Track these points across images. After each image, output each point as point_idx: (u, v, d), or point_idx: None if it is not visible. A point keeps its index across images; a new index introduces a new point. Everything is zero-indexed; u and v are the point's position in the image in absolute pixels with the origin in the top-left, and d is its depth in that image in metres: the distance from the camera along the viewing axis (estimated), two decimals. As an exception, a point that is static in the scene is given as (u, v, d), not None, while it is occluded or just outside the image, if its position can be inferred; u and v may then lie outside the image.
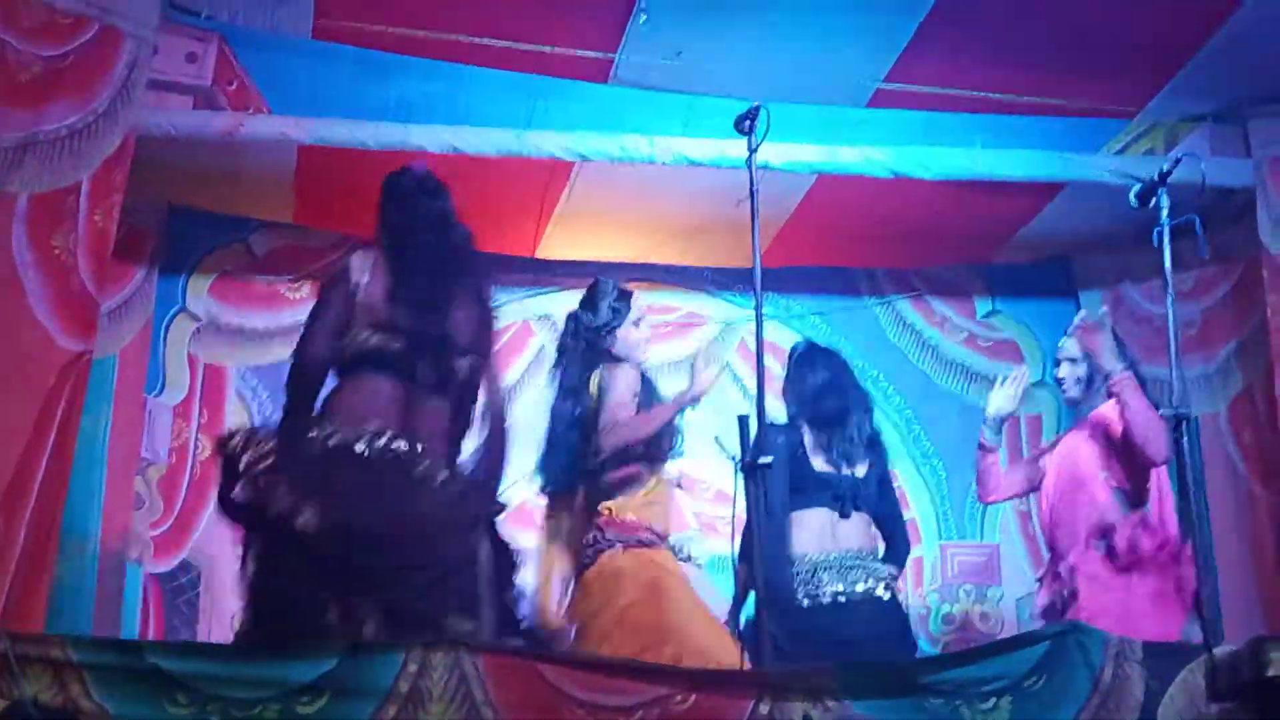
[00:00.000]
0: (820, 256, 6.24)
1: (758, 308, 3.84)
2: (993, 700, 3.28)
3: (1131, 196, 4.20)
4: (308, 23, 4.97)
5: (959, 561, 6.23)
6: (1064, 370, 4.90)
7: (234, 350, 5.84)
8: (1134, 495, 4.57)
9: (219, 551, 5.54)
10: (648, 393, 4.60)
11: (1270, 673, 2.85)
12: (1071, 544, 4.62)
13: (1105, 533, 4.53)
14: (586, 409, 4.54)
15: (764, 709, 3.18)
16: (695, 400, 4.49)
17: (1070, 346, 4.87)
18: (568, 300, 6.08)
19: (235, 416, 5.75)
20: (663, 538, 4.52)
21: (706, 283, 6.37)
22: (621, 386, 4.52)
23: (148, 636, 5.25)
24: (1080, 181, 5.50)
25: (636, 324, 4.69)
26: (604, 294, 4.71)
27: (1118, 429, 4.57)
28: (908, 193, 5.47)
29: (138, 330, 5.47)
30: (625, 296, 4.72)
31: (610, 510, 4.48)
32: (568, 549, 4.57)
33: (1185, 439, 3.80)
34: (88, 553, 5.05)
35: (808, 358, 5.00)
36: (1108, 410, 4.68)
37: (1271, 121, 5.53)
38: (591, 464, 4.50)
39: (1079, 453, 4.71)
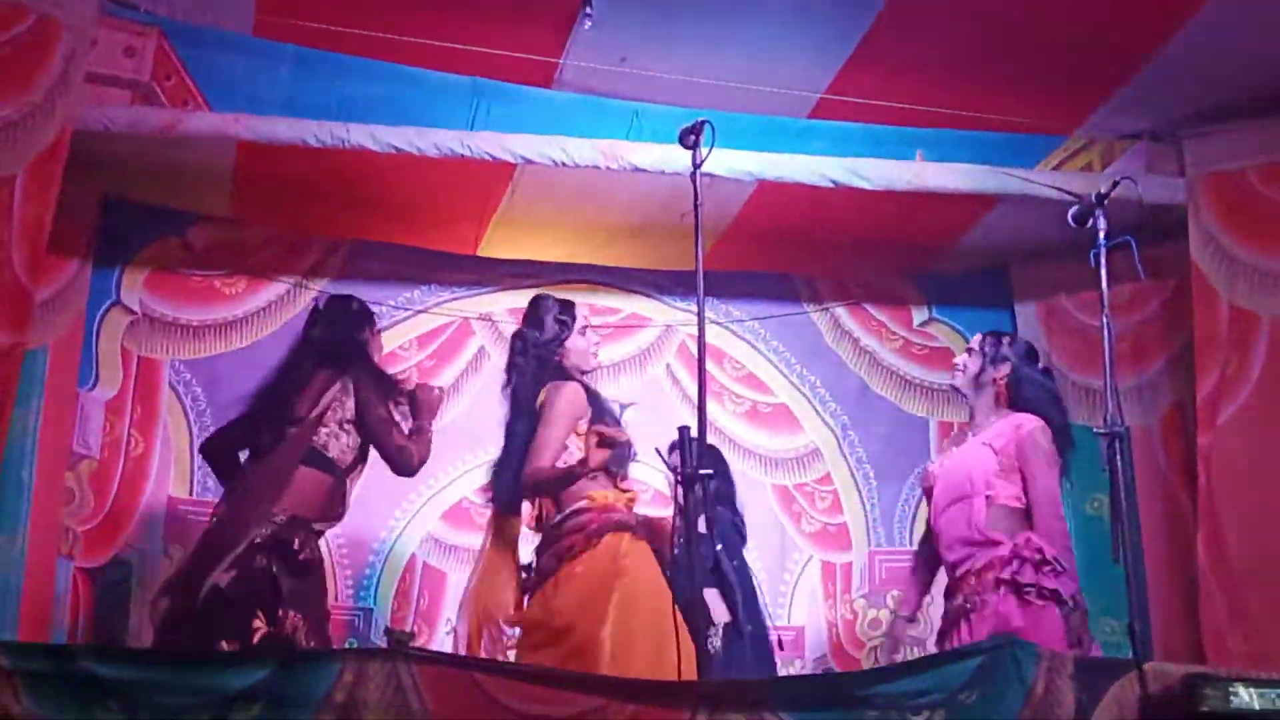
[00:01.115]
0: (760, 262, 6.27)
1: (700, 315, 3.86)
2: (926, 714, 3.31)
3: (1070, 217, 4.25)
4: (249, 19, 4.92)
5: (887, 568, 6.28)
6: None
7: (168, 343, 5.78)
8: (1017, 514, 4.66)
9: (151, 547, 5.50)
10: (598, 408, 4.58)
11: (1203, 709, 2.89)
12: (957, 556, 4.69)
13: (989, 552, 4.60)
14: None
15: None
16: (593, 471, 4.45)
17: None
18: (509, 300, 6.12)
19: (168, 411, 5.69)
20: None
21: (648, 286, 6.38)
22: (561, 409, 4.50)
23: (77, 632, 5.18)
24: (1017, 195, 5.56)
25: (583, 333, 4.71)
26: (547, 309, 4.73)
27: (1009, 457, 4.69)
28: (848, 202, 5.51)
29: (70, 323, 5.39)
30: (568, 308, 4.74)
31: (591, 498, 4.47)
32: (512, 553, 4.57)
33: (1118, 456, 3.86)
34: (16, 548, 4.97)
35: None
36: (1001, 432, 4.74)
37: (1205, 141, 5.62)
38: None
39: (967, 468, 4.74)
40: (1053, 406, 4.82)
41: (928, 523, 4.99)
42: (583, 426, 4.48)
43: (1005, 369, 4.84)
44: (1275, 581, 5.13)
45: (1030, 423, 4.70)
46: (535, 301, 4.80)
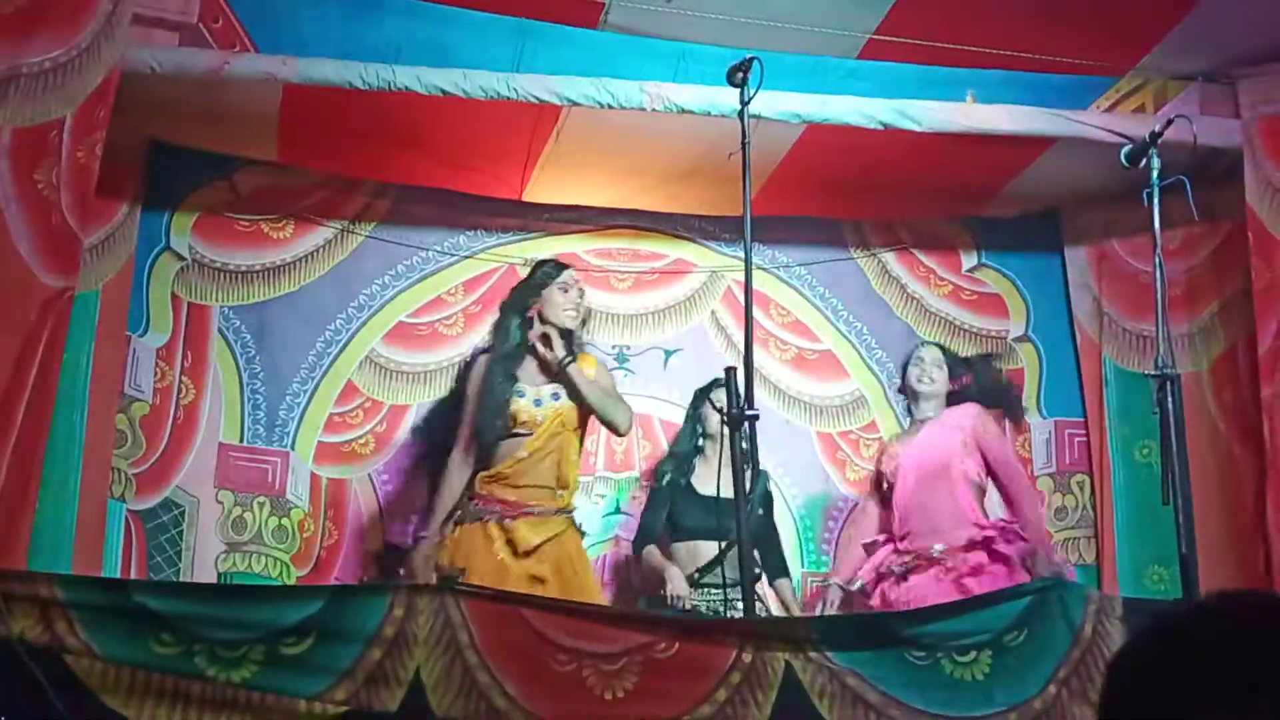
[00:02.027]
0: (807, 207, 6.22)
1: (747, 258, 3.85)
2: (973, 653, 3.32)
3: (1122, 156, 4.20)
4: (296, -39, 4.92)
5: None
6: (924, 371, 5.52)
7: (217, 289, 5.80)
8: (978, 488, 5.32)
9: (202, 493, 5.56)
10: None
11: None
12: (929, 531, 5.18)
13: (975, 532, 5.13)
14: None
15: (746, 657, 3.21)
16: None
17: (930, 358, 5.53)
18: (554, 245, 6.11)
19: (218, 357, 5.73)
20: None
21: (694, 231, 6.35)
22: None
23: (129, 573, 5.24)
24: (1069, 137, 5.49)
25: (564, 289, 4.94)
26: (541, 264, 5.07)
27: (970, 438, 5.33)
28: (896, 145, 5.45)
29: (120, 266, 5.42)
30: (561, 267, 5.03)
31: (487, 479, 4.80)
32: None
33: (1169, 399, 3.82)
34: (69, 489, 5.02)
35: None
36: (958, 420, 5.38)
37: (1261, 82, 5.52)
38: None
39: (937, 448, 5.33)
40: (1004, 394, 5.64)
41: (881, 501, 5.53)
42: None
43: (968, 379, 5.54)
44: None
45: (974, 409, 5.42)
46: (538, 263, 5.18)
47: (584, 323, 5.10)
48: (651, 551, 5.24)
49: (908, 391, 5.58)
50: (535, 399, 4.84)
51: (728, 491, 3.83)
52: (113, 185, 5.14)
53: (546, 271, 5.01)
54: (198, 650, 2.98)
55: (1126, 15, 5.25)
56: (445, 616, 3.09)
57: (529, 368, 4.91)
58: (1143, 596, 5.42)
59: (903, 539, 5.27)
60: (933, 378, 5.48)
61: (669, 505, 5.33)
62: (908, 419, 5.74)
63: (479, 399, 4.89)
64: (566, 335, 4.95)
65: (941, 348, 5.68)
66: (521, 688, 3.10)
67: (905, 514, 5.30)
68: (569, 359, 4.87)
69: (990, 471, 5.33)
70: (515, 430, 4.81)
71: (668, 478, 5.38)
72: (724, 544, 4.69)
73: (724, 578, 4.66)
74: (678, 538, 5.25)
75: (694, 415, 5.49)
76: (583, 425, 4.99)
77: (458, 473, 4.85)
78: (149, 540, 5.41)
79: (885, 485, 5.49)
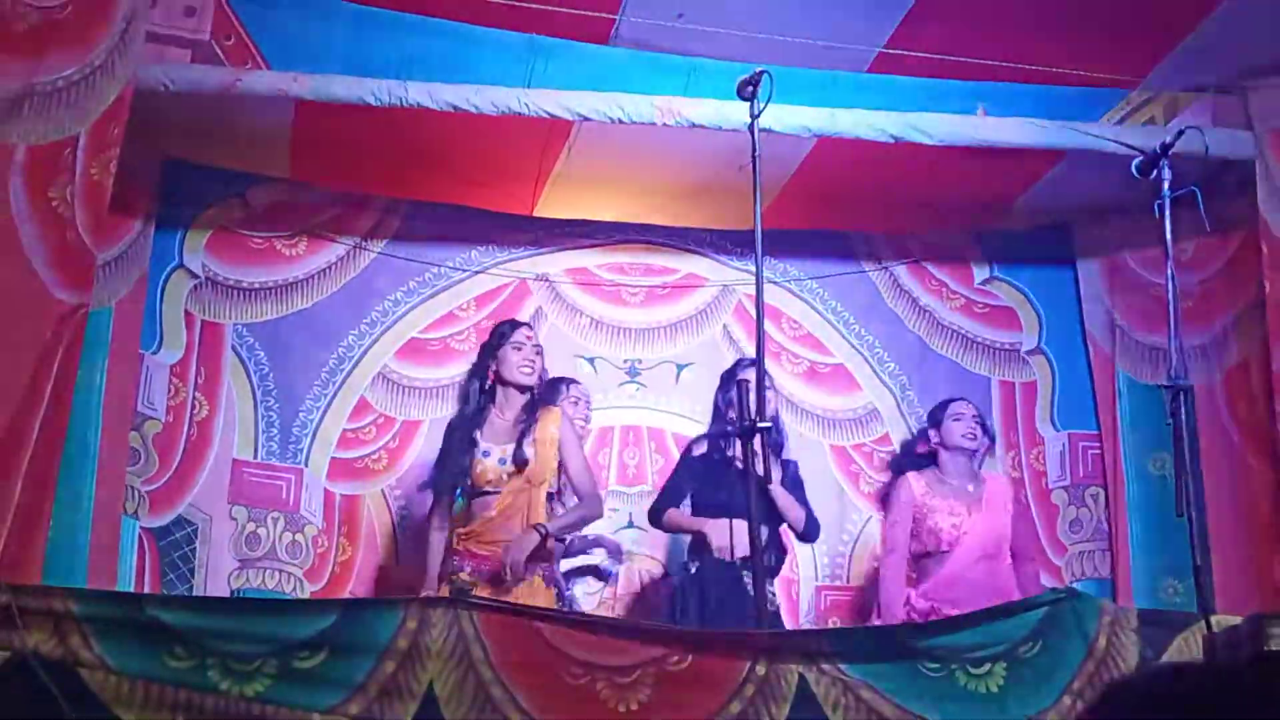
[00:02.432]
0: (818, 221, 6.23)
1: (758, 272, 3.85)
2: (987, 665, 3.30)
3: (1133, 167, 4.19)
4: (307, -22, 4.94)
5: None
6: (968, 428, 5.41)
7: (230, 306, 5.84)
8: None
9: (215, 510, 5.57)
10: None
11: (1269, 647, 2.86)
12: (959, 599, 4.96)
13: None
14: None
15: (759, 670, 3.20)
16: None
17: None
18: (566, 260, 6.13)
19: (232, 374, 5.75)
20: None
21: (705, 245, 6.36)
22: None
23: (143, 589, 5.26)
24: (1080, 150, 5.48)
25: (518, 348, 4.91)
26: (498, 326, 5.08)
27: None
28: (907, 159, 5.46)
29: (133, 283, 5.45)
30: (515, 326, 5.03)
31: (462, 537, 4.73)
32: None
33: (1182, 410, 3.81)
34: (83, 506, 5.04)
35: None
36: (1006, 494, 5.44)
37: (1273, 93, 5.51)
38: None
39: (996, 527, 5.27)
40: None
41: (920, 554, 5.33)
42: None
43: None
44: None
45: (1008, 486, 5.57)
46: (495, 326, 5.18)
47: (541, 379, 5.05)
48: (675, 513, 5.18)
49: (948, 446, 5.40)
50: (500, 458, 4.77)
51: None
52: (126, 202, 5.17)
53: (501, 332, 5.00)
54: (211, 664, 2.98)
55: (1137, 27, 5.25)
56: (459, 630, 3.08)
57: (493, 427, 4.84)
58: (1157, 609, 5.39)
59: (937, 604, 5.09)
60: (977, 435, 5.42)
61: (695, 480, 5.20)
62: (925, 464, 5.46)
63: (439, 462, 4.90)
64: (528, 391, 4.91)
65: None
66: (535, 701, 3.09)
67: (953, 582, 5.14)
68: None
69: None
70: (484, 489, 4.76)
71: (701, 450, 5.26)
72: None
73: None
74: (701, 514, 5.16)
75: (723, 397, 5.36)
76: (553, 474, 4.93)
77: (436, 534, 4.81)
78: (162, 557, 5.43)
79: (934, 543, 5.25)
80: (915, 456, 5.52)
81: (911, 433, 6.02)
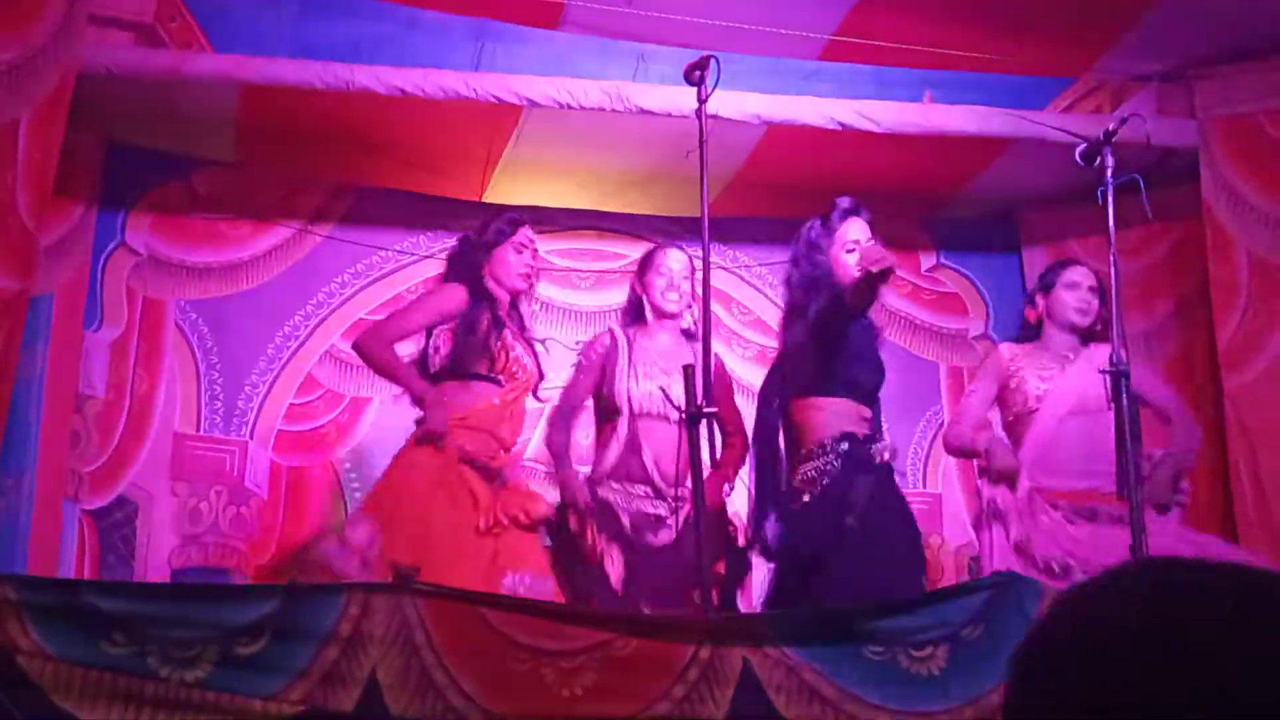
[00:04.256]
0: (769, 208, 6.24)
1: (705, 257, 3.86)
2: (929, 648, 3.33)
3: (1077, 155, 4.22)
4: (253, -40, 4.90)
5: None
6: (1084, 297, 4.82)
7: (173, 284, 5.77)
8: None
9: (157, 487, 5.53)
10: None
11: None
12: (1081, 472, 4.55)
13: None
14: None
15: (704, 654, 3.21)
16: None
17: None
18: (514, 247, 6.10)
19: (174, 348, 5.70)
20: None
21: (655, 231, 6.35)
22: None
23: (83, 574, 5.21)
24: (1026, 138, 5.52)
25: (518, 250, 4.73)
26: (496, 218, 4.84)
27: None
28: (856, 146, 5.48)
29: (76, 268, 5.38)
30: (516, 224, 4.80)
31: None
32: None
33: (1123, 395, 3.85)
34: (24, 491, 4.99)
35: None
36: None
37: (1216, 83, 5.58)
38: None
39: (1090, 387, 4.53)
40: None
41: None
42: None
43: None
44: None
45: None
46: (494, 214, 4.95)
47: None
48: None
49: (1055, 320, 4.83)
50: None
51: None
52: (69, 186, 5.12)
53: (499, 229, 4.77)
54: (151, 650, 2.96)
55: (1082, 16, 5.29)
56: (402, 616, 3.08)
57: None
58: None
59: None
60: (1090, 309, 4.80)
61: None
62: (1028, 338, 4.94)
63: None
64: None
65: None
66: (479, 686, 3.09)
67: (1044, 446, 4.65)
68: None
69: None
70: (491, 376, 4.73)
71: None
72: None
73: None
74: None
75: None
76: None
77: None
78: (102, 539, 5.37)
79: (1021, 403, 4.77)
80: (1018, 328, 5.02)
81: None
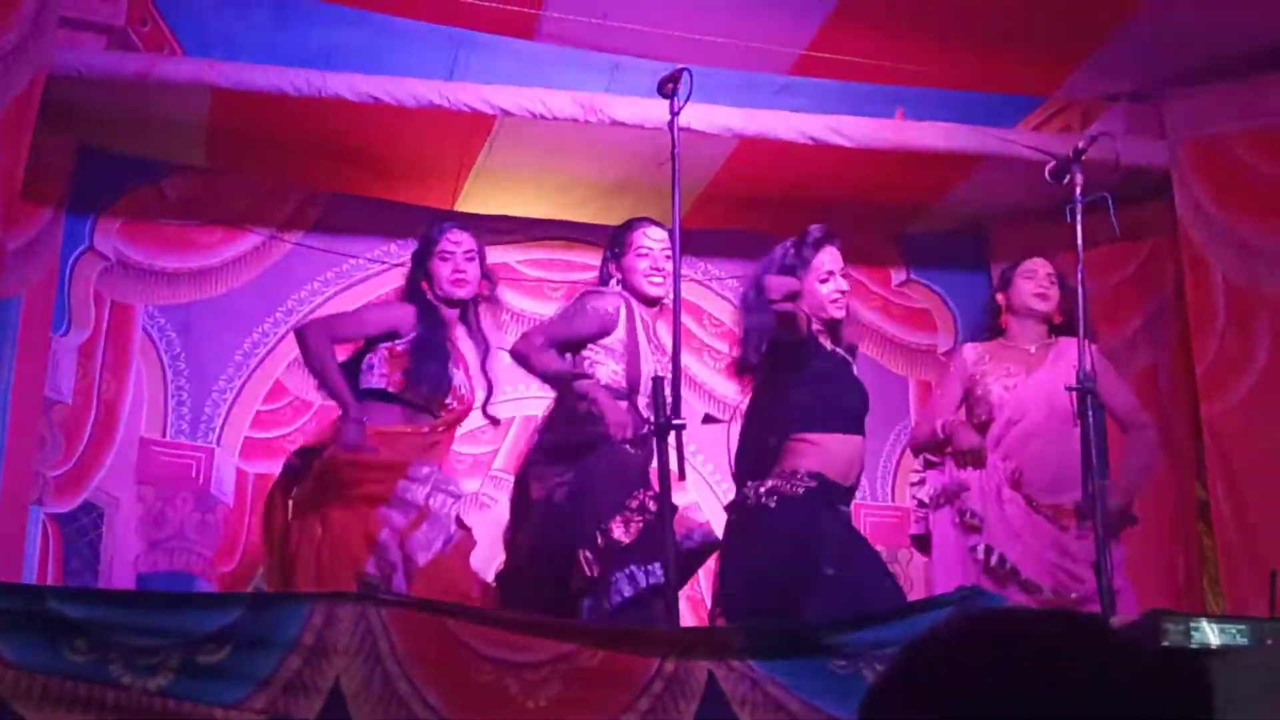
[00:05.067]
0: (740, 221, 6.25)
1: (675, 269, 3.87)
2: (893, 663, 3.33)
3: (1047, 172, 4.26)
4: (227, -35, 4.88)
5: (870, 522, 6.28)
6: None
7: (142, 289, 5.72)
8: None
9: (122, 493, 5.49)
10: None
11: (1164, 643, 2.92)
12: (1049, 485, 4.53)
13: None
14: None
15: (669, 667, 3.21)
16: None
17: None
18: (487, 255, 6.08)
19: (141, 353, 5.66)
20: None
21: (626, 243, 6.35)
22: None
23: (47, 578, 5.16)
24: (996, 155, 5.56)
25: (444, 258, 4.66)
26: (429, 229, 4.76)
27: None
28: (827, 161, 5.50)
29: (44, 272, 5.34)
30: (441, 231, 4.72)
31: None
32: None
33: (1090, 412, 3.87)
34: (-12, 497, 4.95)
35: None
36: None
37: (1186, 103, 5.62)
38: None
39: (1060, 397, 4.43)
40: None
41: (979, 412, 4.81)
42: None
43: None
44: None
45: (1096, 351, 4.61)
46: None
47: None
48: None
49: (1016, 311, 4.85)
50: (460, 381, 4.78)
51: None
52: (38, 190, 5.08)
53: (428, 239, 4.71)
54: (113, 658, 2.94)
55: (1053, 35, 5.34)
56: (366, 625, 3.07)
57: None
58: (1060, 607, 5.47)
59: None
60: (1049, 295, 4.80)
61: None
62: (991, 336, 4.95)
63: None
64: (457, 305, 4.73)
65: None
66: (443, 697, 3.08)
67: (1025, 438, 4.65)
68: None
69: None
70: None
71: None
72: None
73: None
74: None
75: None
76: None
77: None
78: (67, 544, 5.32)
79: (985, 411, 4.75)
80: (981, 328, 5.04)
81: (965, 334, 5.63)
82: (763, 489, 4.25)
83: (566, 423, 4.58)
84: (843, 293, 4.50)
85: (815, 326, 4.44)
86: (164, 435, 5.64)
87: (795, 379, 4.36)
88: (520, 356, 4.58)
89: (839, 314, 4.51)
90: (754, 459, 4.39)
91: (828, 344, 4.48)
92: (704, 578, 5.11)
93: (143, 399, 5.62)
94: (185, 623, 3.04)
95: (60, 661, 2.92)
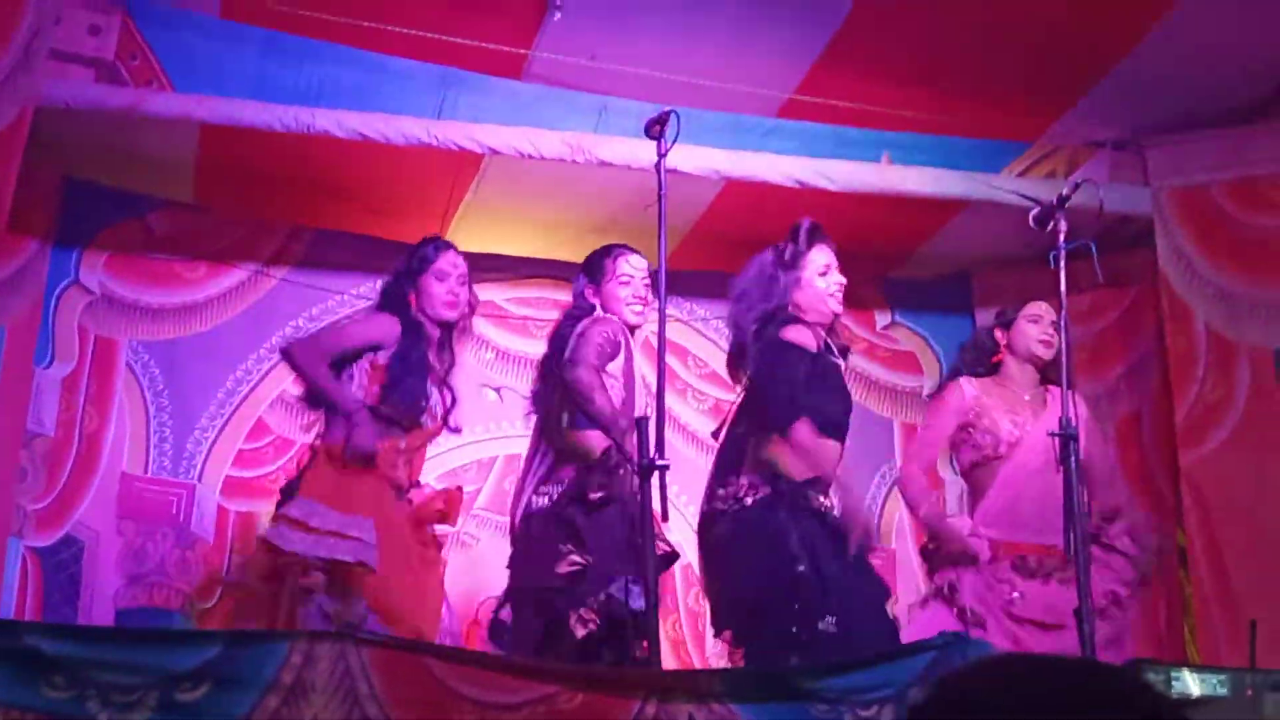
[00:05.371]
0: (725, 262, 6.24)
1: (660, 309, 3.87)
2: (875, 708, 3.31)
3: (1031, 219, 4.27)
4: (216, 2, 4.89)
5: None
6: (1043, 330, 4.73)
7: (126, 324, 5.73)
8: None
9: (103, 527, 5.46)
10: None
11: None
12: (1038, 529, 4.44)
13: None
14: None
15: (650, 710, 3.19)
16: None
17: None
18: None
19: (125, 388, 5.65)
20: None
21: (613, 282, 6.36)
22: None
23: (26, 612, 5.14)
24: (981, 200, 5.59)
25: (440, 277, 4.59)
26: (421, 245, 4.68)
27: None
28: (813, 203, 5.50)
29: (29, 303, 5.34)
30: (439, 249, 4.66)
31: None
32: None
33: (1071, 458, 3.88)
34: (-32, 530, 4.92)
35: None
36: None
37: (1169, 151, 5.67)
38: None
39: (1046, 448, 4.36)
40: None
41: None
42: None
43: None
44: (1277, 608, 4.96)
45: (1084, 403, 4.57)
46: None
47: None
48: None
49: (1017, 353, 4.75)
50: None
51: None
52: (24, 221, 5.08)
53: (422, 255, 4.62)
54: (90, 694, 2.91)
55: (1039, 82, 5.38)
56: (345, 665, 3.04)
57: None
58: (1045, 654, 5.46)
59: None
60: (1053, 343, 4.62)
61: None
62: (986, 373, 4.82)
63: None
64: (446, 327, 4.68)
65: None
66: (422, 737, 3.06)
67: (1011, 502, 4.56)
68: None
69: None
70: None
71: None
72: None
73: None
74: None
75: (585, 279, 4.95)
76: None
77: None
78: (47, 577, 5.29)
79: (991, 445, 4.66)
80: (975, 363, 4.87)
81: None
82: (735, 490, 4.23)
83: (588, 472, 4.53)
84: (840, 285, 4.47)
85: (820, 335, 4.43)
86: (146, 471, 5.62)
87: (783, 380, 4.31)
88: (584, 386, 4.44)
89: (838, 309, 4.54)
90: (731, 459, 4.35)
91: (826, 345, 4.45)
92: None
93: (125, 434, 5.61)
94: (163, 660, 3.01)
95: (38, 698, 2.89)
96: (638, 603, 4.04)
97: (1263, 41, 5.08)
